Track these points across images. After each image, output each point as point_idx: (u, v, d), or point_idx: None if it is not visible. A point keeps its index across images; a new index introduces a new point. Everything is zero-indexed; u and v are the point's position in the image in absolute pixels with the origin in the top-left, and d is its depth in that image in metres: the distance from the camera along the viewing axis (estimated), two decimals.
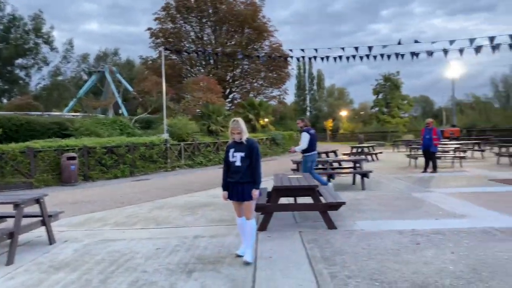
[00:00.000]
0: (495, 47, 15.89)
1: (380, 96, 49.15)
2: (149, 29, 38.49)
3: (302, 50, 19.82)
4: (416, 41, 16.22)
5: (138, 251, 5.42)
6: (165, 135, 19.32)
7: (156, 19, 38.25)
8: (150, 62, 39.46)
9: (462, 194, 8.97)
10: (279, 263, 4.71)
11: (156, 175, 16.24)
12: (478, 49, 16.14)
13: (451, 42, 16.09)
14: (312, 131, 9.79)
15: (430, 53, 16.97)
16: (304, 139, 9.51)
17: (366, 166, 12.55)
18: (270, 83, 41.59)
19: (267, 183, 8.66)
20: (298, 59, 21.45)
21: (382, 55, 17.88)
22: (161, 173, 17.06)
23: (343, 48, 18.54)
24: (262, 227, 6.23)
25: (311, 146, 9.59)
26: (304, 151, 9.58)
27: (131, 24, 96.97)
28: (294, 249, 5.24)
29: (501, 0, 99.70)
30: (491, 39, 15.86)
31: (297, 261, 4.76)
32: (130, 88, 37.26)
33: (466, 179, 11.65)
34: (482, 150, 19.40)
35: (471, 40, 16.17)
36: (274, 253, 5.07)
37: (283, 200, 6.90)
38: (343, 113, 60.67)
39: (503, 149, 15.98)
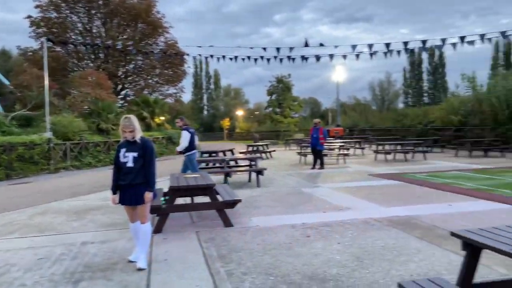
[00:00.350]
0: (372, 54, 17.61)
1: (273, 97, 51.27)
2: (29, 17, 34.83)
3: (200, 47, 19.75)
4: (306, 44, 17.21)
5: (16, 262, 4.85)
6: (48, 134, 17.64)
7: (37, 6, 34.75)
8: (30, 53, 35.69)
9: (346, 188, 9.77)
10: (175, 265, 4.60)
11: (38, 178, 14.76)
12: (358, 55, 17.73)
13: (336, 46, 17.39)
14: (192, 129, 9.83)
15: (318, 58, 18.16)
16: (185, 138, 9.50)
17: (261, 164, 12.95)
18: (166, 81, 40.62)
19: (163, 184, 8.43)
20: (194, 57, 21.33)
21: (275, 57, 18.63)
22: (44, 176, 15.54)
23: (239, 47, 18.91)
24: (158, 229, 6.03)
25: (192, 145, 9.63)
26: (186, 151, 9.57)
27: (8, 11, 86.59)
28: (190, 249, 5.18)
29: (377, 13, 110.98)
30: (370, 46, 17.53)
31: (193, 261, 4.70)
32: (6, 82, 33.25)
33: (349, 174, 12.72)
34: (362, 148, 21.38)
35: (353, 47, 17.69)
36: (169, 255, 4.94)
37: (180, 201, 6.78)
38: (239, 112, 61.92)
39: (380, 147, 17.79)
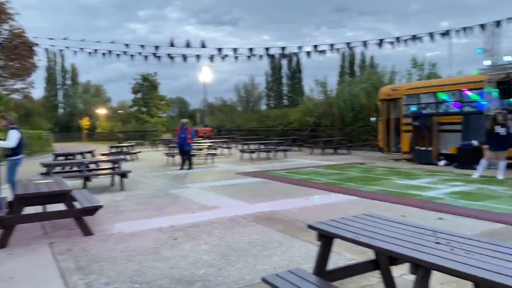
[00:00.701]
0: (237, 57, 18.26)
1: (139, 95, 49.39)
2: None
3: (52, 39, 17.90)
4: (171, 44, 16.97)
5: None
6: None
7: None
8: None
9: (214, 188, 9.92)
10: (24, 283, 4.06)
11: None
12: (224, 57, 18.21)
13: (202, 45, 17.52)
14: (21, 131, 8.50)
15: (184, 58, 18.08)
16: (14, 137, 7.98)
17: (125, 166, 12.34)
18: (11, 74, 35.75)
19: (8, 191, 7.40)
20: (46, 49, 19.24)
21: (139, 53, 17.95)
22: None
23: (98, 42, 17.70)
24: (1, 244, 5.25)
25: (20, 148, 8.30)
26: (13, 154, 8.04)
27: None
28: (42, 263, 4.63)
29: (241, 18, 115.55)
30: (234, 50, 18.14)
31: (46, 276, 4.21)
32: None
33: (217, 173, 12.94)
34: (230, 148, 22.02)
35: (219, 49, 18.09)
36: (16, 273, 4.33)
37: (29, 210, 6.01)
38: (101, 111, 58.06)
39: (245, 147, 18.53)
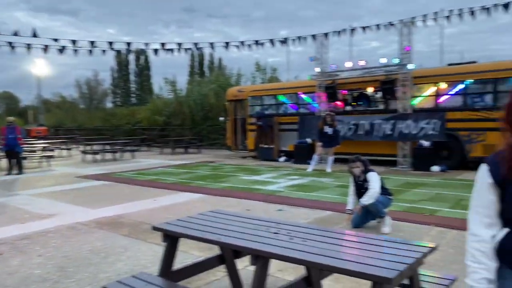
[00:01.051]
0: (77, 50, 16.80)
1: None
2: None
3: None
4: None
5: None
6: None
7: None
8: None
9: (51, 194, 8.92)
10: None
11: None
12: (62, 50, 16.54)
13: (34, 35, 15.58)
14: None
15: (12, 47, 15.82)
16: None
17: None
18: None
19: None
20: None
21: None
22: None
23: None
24: None
25: None
26: None
27: None
28: None
29: (82, 8, 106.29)
30: (74, 42, 16.64)
31: None
32: None
33: (54, 178, 11.68)
34: (69, 149, 20.11)
35: (56, 40, 16.37)
36: None
37: None
38: None
39: (88, 147, 17.17)
